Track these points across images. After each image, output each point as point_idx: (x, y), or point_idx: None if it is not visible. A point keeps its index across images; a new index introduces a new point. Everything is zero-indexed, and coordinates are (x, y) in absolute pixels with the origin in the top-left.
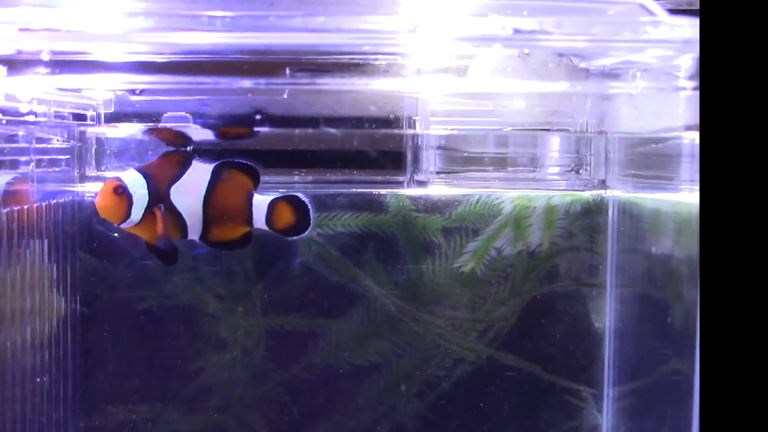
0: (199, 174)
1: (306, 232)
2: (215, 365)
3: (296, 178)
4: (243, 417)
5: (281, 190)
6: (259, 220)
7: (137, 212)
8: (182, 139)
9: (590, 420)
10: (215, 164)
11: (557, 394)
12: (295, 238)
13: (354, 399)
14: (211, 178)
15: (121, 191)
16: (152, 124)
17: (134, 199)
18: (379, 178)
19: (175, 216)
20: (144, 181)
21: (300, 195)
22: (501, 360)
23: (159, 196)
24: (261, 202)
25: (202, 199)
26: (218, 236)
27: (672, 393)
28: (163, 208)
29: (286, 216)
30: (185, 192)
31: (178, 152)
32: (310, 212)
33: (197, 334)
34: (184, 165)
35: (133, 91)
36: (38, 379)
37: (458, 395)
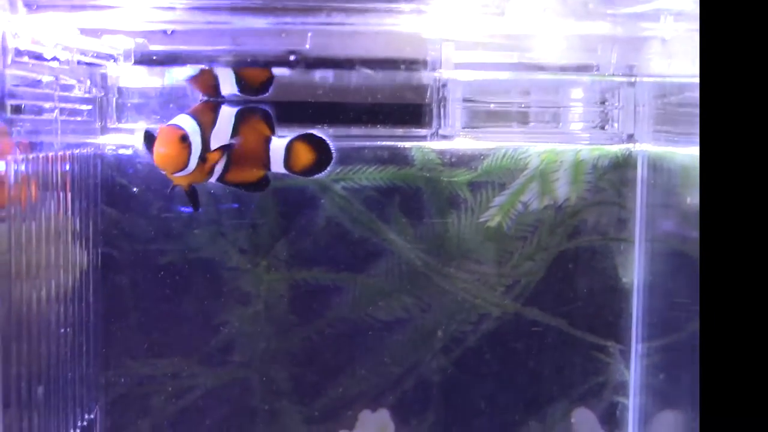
0: (226, 116)
1: (327, 169)
2: (238, 319)
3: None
4: (266, 372)
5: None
6: (277, 163)
7: (194, 160)
8: (216, 90)
9: (617, 376)
10: (238, 108)
11: (584, 349)
12: (318, 176)
13: (379, 354)
14: (234, 121)
15: (186, 140)
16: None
17: (193, 147)
18: (404, 131)
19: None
20: (198, 128)
21: (316, 132)
22: (527, 315)
23: (206, 142)
24: (278, 145)
25: (228, 140)
26: (236, 178)
27: None
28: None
29: (304, 156)
30: (217, 136)
31: (211, 101)
32: (330, 147)
33: (220, 288)
34: (217, 109)
35: (164, 32)
36: (62, 331)
37: (484, 351)
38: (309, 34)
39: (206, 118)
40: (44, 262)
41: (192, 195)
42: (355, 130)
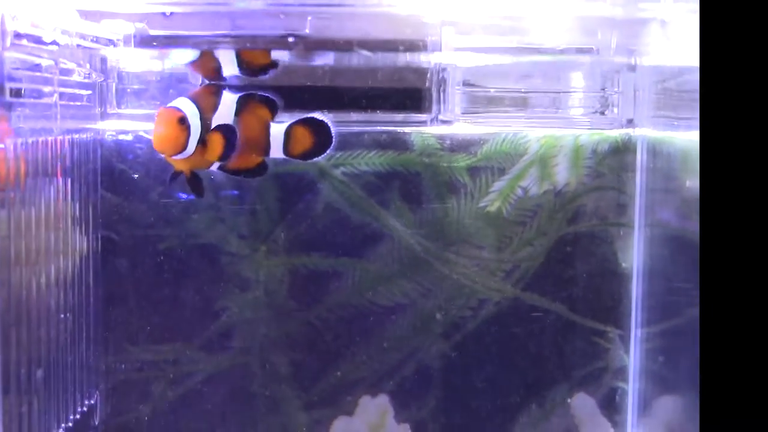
0: (228, 102)
1: (326, 152)
2: (238, 305)
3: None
4: (266, 357)
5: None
6: (277, 149)
7: (192, 143)
8: (219, 74)
9: (617, 361)
10: (240, 94)
11: (583, 334)
12: (317, 159)
13: (378, 340)
14: (236, 107)
15: (184, 122)
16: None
17: (191, 129)
18: (403, 117)
19: (225, 144)
20: (197, 110)
21: (316, 115)
22: (527, 300)
23: (207, 126)
24: (277, 131)
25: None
26: (236, 164)
27: None
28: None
29: (303, 141)
30: (219, 121)
31: (212, 84)
32: (330, 130)
33: (219, 273)
34: (219, 94)
35: (164, 14)
36: (62, 316)
37: (483, 336)
38: (309, 18)
39: (207, 103)
40: (44, 248)
41: (194, 182)
42: (354, 115)
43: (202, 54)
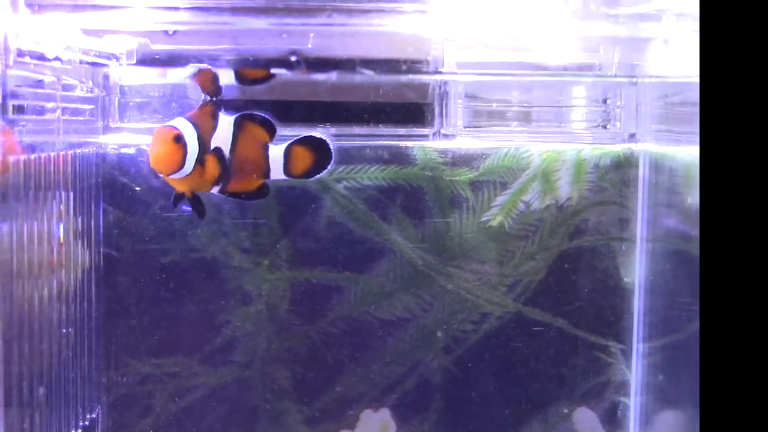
0: (225, 125)
1: (327, 168)
2: (240, 319)
3: (320, 131)
4: (268, 371)
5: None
6: (277, 170)
7: (190, 162)
8: (217, 87)
9: (619, 375)
10: (236, 116)
11: (586, 349)
12: (317, 177)
13: (380, 354)
14: (233, 129)
15: (180, 140)
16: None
17: (188, 148)
18: (406, 131)
19: (221, 159)
20: (194, 130)
21: (315, 134)
22: (529, 315)
23: (205, 146)
24: (276, 153)
25: (229, 151)
26: (236, 187)
27: None
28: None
29: (302, 160)
30: (219, 143)
31: (212, 103)
32: (330, 147)
33: (222, 287)
34: (216, 116)
35: (166, 32)
36: (64, 330)
37: (485, 350)
38: (311, 35)
39: (205, 123)
40: (46, 262)
41: (196, 204)
42: (357, 130)
43: (200, 69)
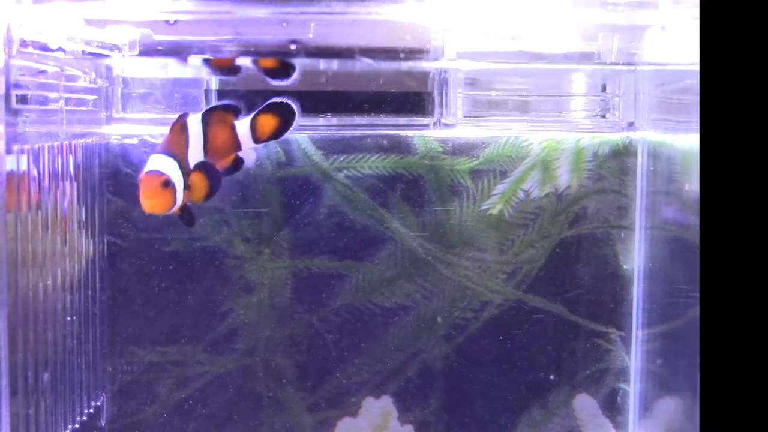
0: (195, 128)
1: (294, 124)
2: (242, 307)
3: (321, 120)
4: (270, 359)
5: None
6: (246, 141)
7: (180, 196)
8: (234, 69)
9: (618, 362)
10: (202, 113)
11: (585, 336)
12: (286, 136)
13: (381, 342)
14: (203, 127)
15: (168, 185)
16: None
17: (176, 186)
18: (406, 120)
19: (209, 174)
20: (176, 163)
21: (277, 99)
22: (529, 302)
23: (187, 170)
24: (243, 125)
25: (203, 150)
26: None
27: None
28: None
29: (268, 125)
30: (194, 152)
31: (178, 118)
32: (292, 106)
33: (224, 276)
34: (186, 128)
35: (167, 22)
36: (68, 319)
37: (486, 338)
38: (312, 24)
39: (179, 146)
40: (50, 251)
41: (184, 215)
42: (358, 119)
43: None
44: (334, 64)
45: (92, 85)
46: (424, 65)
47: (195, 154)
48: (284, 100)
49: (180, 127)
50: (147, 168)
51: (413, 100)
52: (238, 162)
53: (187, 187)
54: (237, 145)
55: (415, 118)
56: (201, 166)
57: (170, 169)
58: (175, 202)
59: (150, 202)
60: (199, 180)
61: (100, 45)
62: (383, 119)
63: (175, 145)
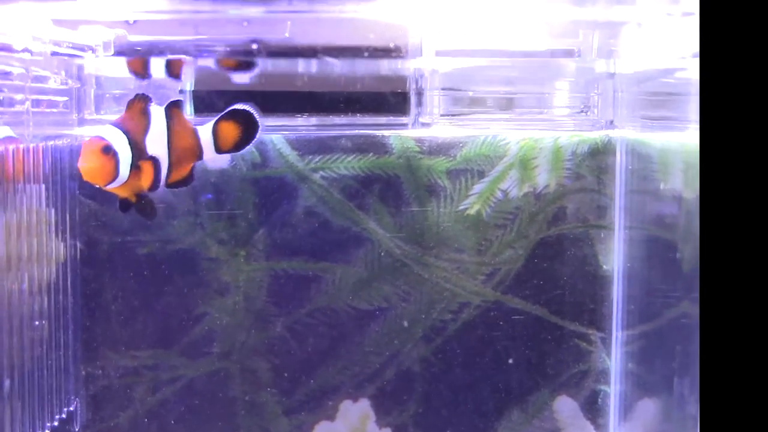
0: (158, 119)
1: (255, 138)
2: (218, 310)
3: (299, 120)
4: (246, 362)
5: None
6: (208, 150)
7: (124, 170)
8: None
9: (599, 363)
10: (165, 106)
11: (565, 337)
12: (246, 149)
13: (358, 344)
14: (166, 120)
15: (108, 150)
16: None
17: (120, 156)
18: (383, 119)
19: (156, 166)
20: (125, 136)
21: (239, 106)
22: (508, 303)
23: (139, 149)
24: (205, 131)
25: (166, 144)
26: (175, 177)
27: (681, 336)
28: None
29: (230, 134)
30: (156, 140)
31: (140, 98)
32: (255, 116)
33: (199, 279)
34: (148, 112)
35: (126, 22)
36: (38, 323)
37: (464, 339)
38: (288, 23)
39: (136, 125)
40: (21, 255)
41: (142, 207)
42: (335, 119)
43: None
44: (313, 64)
45: (63, 87)
46: (401, 64)
47: (156, 146)
48: (246, 107)
49: (141, 109)
50: (93, 135)
51: (391, 99)
52: (191, 176)
53: (135, 166)
54: (200, 152)
55: (393, 118)
56: (153, 161)
57: (118, 141)
58: (116, 174)
59: (87, 166)
60: (148, 168)
61: (70, 45)
62: (360, 119)
63: (131, 124)
